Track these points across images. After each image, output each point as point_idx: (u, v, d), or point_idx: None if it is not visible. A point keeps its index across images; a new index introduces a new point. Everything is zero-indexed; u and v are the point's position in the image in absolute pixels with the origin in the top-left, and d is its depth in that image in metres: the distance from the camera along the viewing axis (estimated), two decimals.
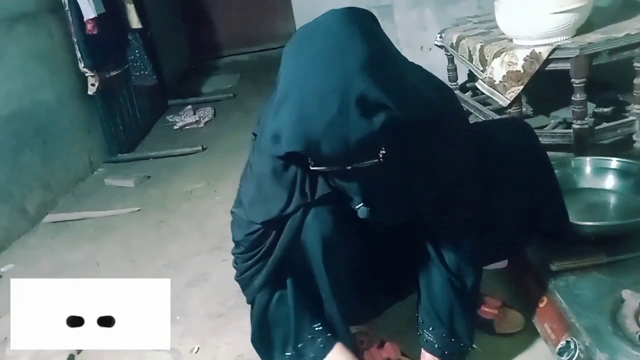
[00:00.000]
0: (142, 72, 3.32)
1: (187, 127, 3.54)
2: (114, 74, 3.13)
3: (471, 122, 1.45)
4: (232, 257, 1.83)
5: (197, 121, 3.57)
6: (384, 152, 0.93)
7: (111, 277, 1.93)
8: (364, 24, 0.91)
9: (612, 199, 1.55)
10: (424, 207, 1.12)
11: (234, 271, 1.68)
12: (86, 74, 2.87)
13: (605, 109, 2.07)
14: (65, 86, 2.87)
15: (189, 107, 3.74)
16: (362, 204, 1.04)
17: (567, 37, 1.88)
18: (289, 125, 0.89)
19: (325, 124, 0.86)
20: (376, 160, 0.93)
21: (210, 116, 3.63)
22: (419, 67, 1.06)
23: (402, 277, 1.26)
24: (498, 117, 2.12)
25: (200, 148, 3.07)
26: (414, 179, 1.06)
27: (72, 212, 2.54)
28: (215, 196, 2.49)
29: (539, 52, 1.86)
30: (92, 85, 2.90)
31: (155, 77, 3.40)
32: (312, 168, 0.97)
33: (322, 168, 0.97)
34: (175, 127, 3.55)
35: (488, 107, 2.29)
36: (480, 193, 1.16)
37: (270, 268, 1.15)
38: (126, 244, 2.19)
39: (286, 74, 0.93)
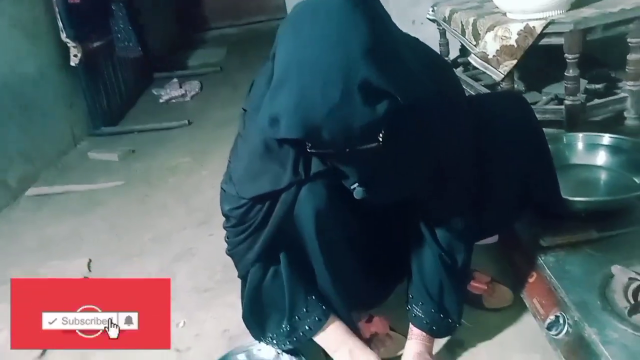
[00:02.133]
0: (126, 43, 3.24)
1: (173, 101, 3.48)
2: (98, 45, 3.06)
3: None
4: (219, 232, 1.80)
5: (183, 95, 3.51)
6: (383, 135, 0.91)
7: (96, 252, 1.91)
8: (366, 4, 0.87)
9: (603, 176, 1.55)
10: (419, 186, 1.10)
11: (222, 246, 1.64)
12: (68, 45, 2.80)
13: (597, 86, 2.05)
14: (47, 57, 2.79)
15: (175, 80, 3.67)
16: (357, 184, 1.02)
17: (561, 12, 1.85)
18: (288, 111, 0.85)
19: (326, 110, 0.83)
20: (375, 144, 0.91)
21: (197, 90, 3.57)
22: (416, 41, 1.04)
23: (398, 258, 1.24)
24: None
25: (186, 122, 3.02)
26: (411, 159, 1.04)
27: (55, 186, 2.49)
28: (201, 171, 2.45)
29: (533, 27, 1.83)
30: (75, 56, 2.82)
31: (140, 48, 3.33)
32: (309, 151, 0.95)
33: (319, 151, 0.95)
34: (161, 101, 3.49)
35: (479, 82, 2.27)
36: (475, 169, 1.14)
37: (264, 242, 1.12)
38: (111, 218, 2.15)
39: (284, 53, 0.89)
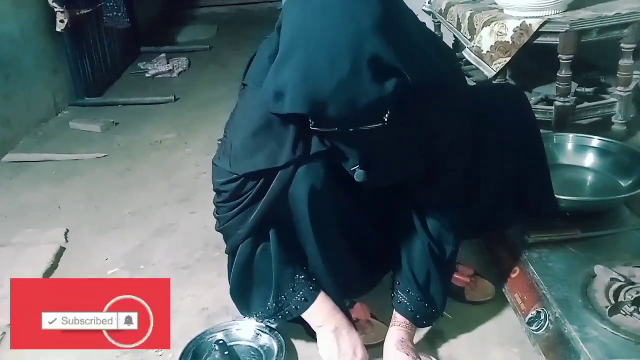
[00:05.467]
0: (115, 13, 3.15)
1: (160, 76, 3.41)
2: (85, 12, 2.96)
3: None
4: (201, 211, 1.78)
5: (170, 71, 3.44)
6: (388, 116, 0.89)
7: (73, 223, 1.87)
8: None
9: (590, 177, 1.56)
10: (417, 170, 1.09)
11: (203, 224, 1.62)
12: (55, 9, 2.71)
13: (588, 89, 2.06)
14: (31, 20, 2.70)
15: (163, 55, 3.59)
16: (358, 166, 1.00)
17: (558, 12, 1.86)
18: (294, 85, 0.83)
19: (334, 85, 0.81)
20: (380, 125, 0.89)
21: (185, 67, 3.50)
22: (424, 25, 1.02)
23: (387, 248, 1.23)
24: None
25: (172, 98, 2.96)
26: (413, 142, 1.03)
27: (33, 153, 2.41)
28: (185, 148, 2.41)
29: (530, 24, 1.84)
30: (61, 21, 2.74)
31: (128, 20, 3.24)
32: (312, 128, 0.92)
33: (323, 129, 0.92)
34: (147, 75, 3.41)
35: (471, 79, 2.26)
36: (470, 159, 1.13)
37: (257, 218, 1.10)
38: (90, 190, 2.11)
39: (290, 25, 0.86)
